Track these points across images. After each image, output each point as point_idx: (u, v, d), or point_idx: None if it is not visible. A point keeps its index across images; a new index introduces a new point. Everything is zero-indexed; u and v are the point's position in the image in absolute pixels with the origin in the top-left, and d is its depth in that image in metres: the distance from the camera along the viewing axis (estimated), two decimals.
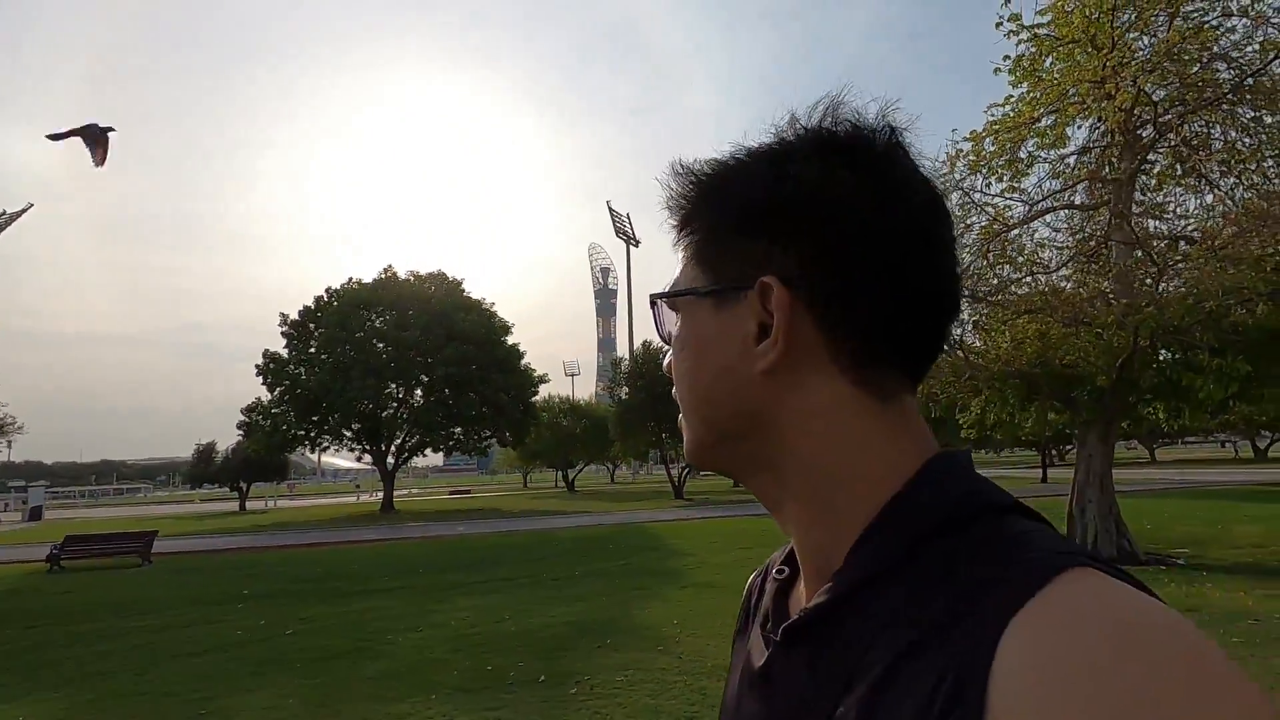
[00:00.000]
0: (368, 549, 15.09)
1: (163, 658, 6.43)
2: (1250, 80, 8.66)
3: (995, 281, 10.60)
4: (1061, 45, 10.05)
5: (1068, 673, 0.28)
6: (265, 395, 30.41)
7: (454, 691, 4.93)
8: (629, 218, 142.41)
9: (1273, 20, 8.75)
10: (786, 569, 0.53)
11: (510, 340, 32.48)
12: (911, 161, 0.46)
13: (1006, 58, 10.82)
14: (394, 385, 30.31)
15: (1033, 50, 10.57)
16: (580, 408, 47.48)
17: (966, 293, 9.19)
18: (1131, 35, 9.54)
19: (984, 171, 11.10)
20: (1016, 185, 11.07)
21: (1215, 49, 8.97)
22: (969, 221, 10.87)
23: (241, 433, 32.26)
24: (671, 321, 0.51)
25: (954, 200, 10.97)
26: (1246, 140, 9.13)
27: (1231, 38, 9.05)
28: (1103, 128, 10.12)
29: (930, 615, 0.35)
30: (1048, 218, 11.14)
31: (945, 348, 0.48)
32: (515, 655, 5.81)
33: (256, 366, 29.88)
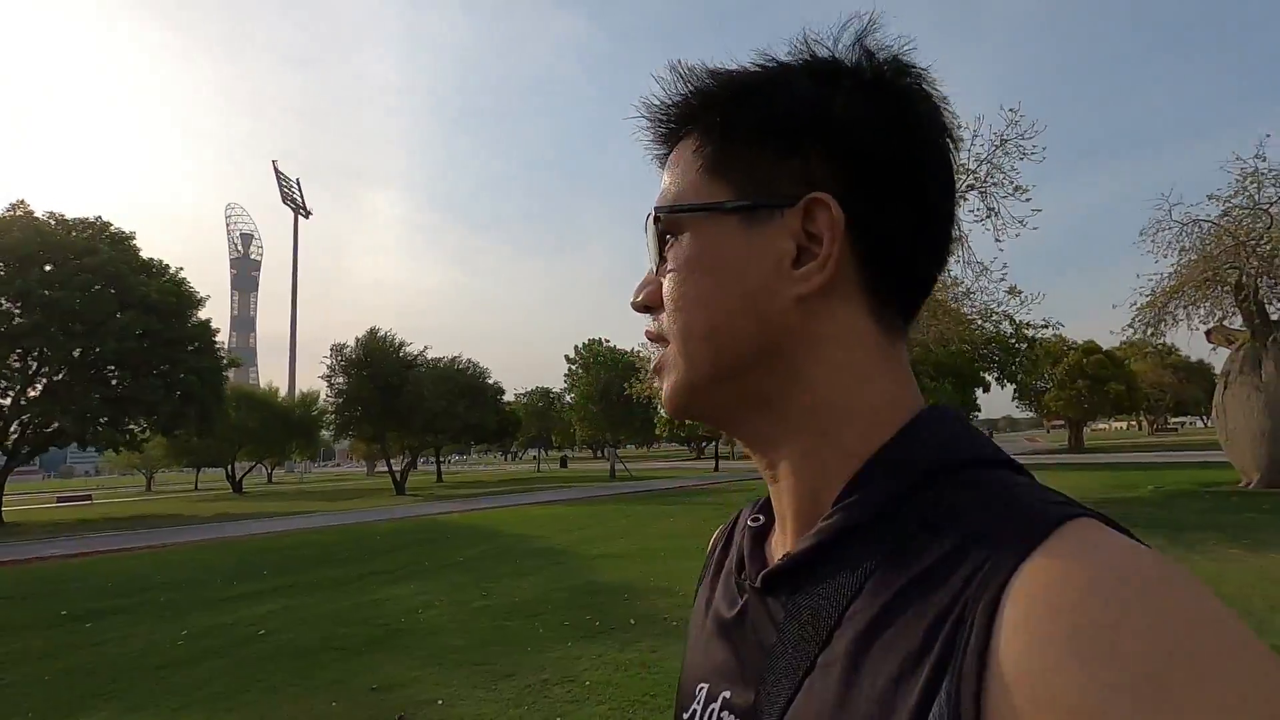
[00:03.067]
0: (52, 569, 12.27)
1: None
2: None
3: None
4: None
5: (1081, 621, 0.27)
6: None
7: None
8: (299, 183, 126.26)
9: None
10: (762, 517, 0.51)
11: (203, 315, 27.56)
12: (937, 104, 0.44)
13: None
14: (23, 359, 23.27)
15: None
16: (257, 397, 41.87)
17: None
18: None
19: None
20: None
21: None
22: None
23: None
24: (656, 239, 0.46)
25: None
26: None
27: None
28: None
29: (926, 562, 0.35)
30: None
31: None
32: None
33: None
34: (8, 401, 23.66)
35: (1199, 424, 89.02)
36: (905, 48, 0.44)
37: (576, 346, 36.36)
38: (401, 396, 29.69)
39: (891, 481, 0.39)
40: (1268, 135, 14.36)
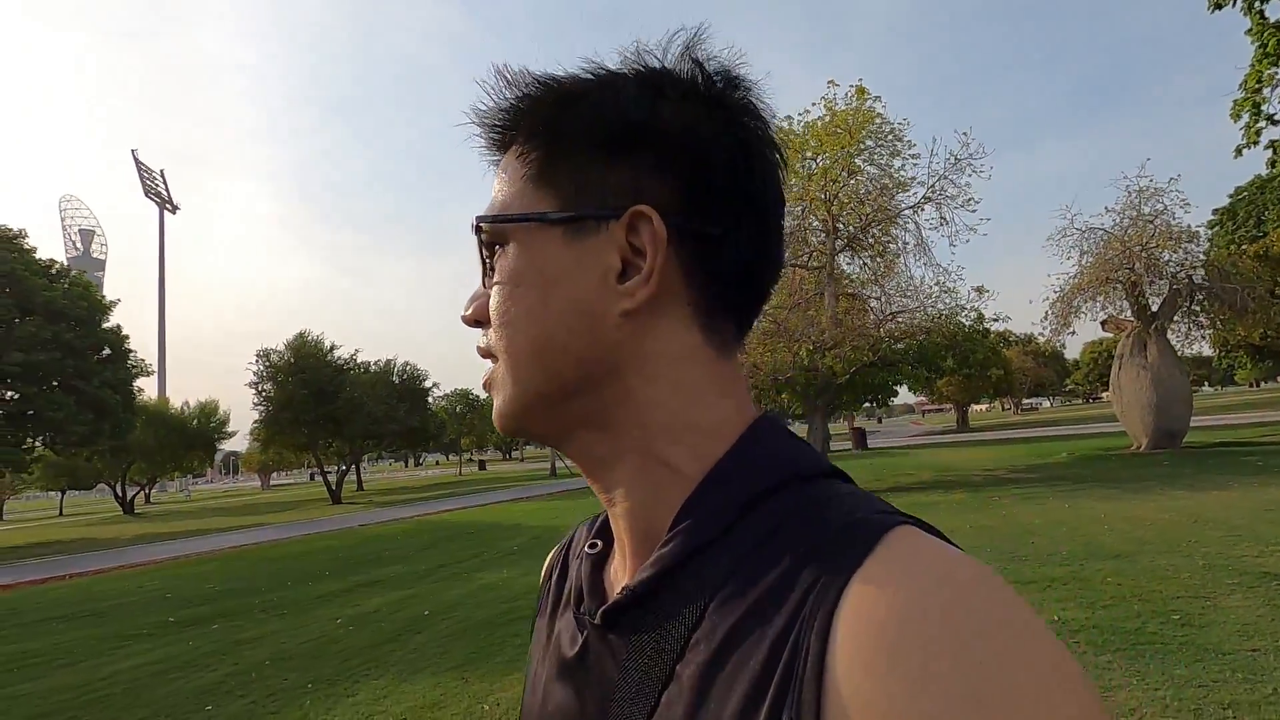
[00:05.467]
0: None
1: None
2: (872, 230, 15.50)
3: None
4: None
5: (902, 642, 0.28)
6: None
7: None
8: (164, 175, 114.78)
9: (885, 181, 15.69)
10: (599, 542, 0.49)
11: (111, 320, 25.27)
12: (766, 119, 0.44)
13: None
14: None
15: None
16: (151, 409, 38.47)
17: None
18: (820, 164, 15.61)
19: None
20: None
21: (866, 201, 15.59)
22: None
23: None
24: (482, 250, 0.44)
25: None
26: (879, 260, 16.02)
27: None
28: (811, 219, 16.12)
29: (764, 585, 0.34)
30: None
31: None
32: None
33: None
34: None
35: (1046, 404, 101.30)
36: (736, 59, 0.43)
37: None
38: (337, 402, 28.64)
39: (724, 503, 0.39)
40: (1148, 159, 17.43)
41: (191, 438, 40.32)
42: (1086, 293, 17.17)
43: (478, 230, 0.44)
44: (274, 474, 69.41)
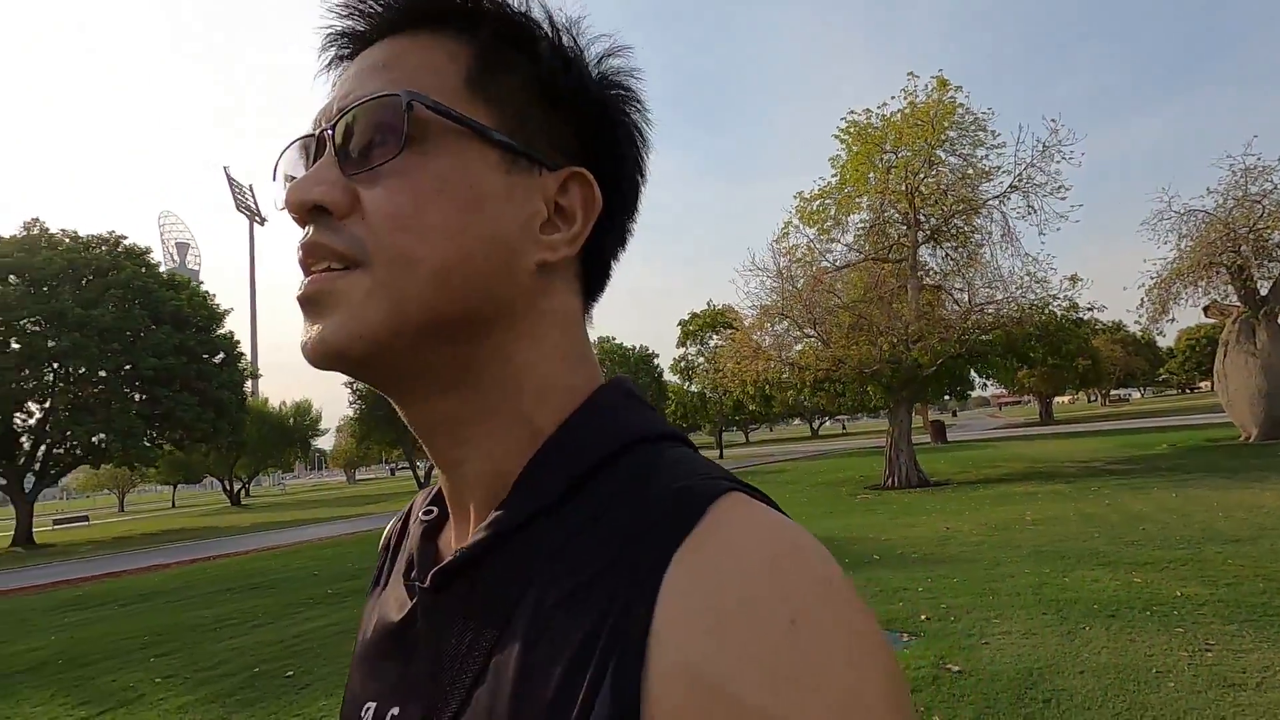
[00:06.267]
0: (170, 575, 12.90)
1: None
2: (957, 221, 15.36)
3: (821, 310, 15.63)
4: (857, 157, 15.85)
5: (729, 601, 0.29)
6: None
7: None
8: (252, 190, 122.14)
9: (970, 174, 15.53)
10: (435, 509, 0.47)
11: (224, 327, 27.53)
12: (647, 113, 0.45)
13: (834, 157, 16.35)
14: (54, 379, 22.98)
15: (843, 153, 16.21)
16: (254, 408, 41.38)
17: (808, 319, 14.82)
18: (900, 157, 15.59)
19: (808, 223, 16.40)
20: (831, 237, 16.59)
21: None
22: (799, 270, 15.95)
23: None
24: (385, 134, 0.37)
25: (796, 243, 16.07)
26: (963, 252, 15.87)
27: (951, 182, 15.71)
28: (891, 212, 16.14)
29: (594, 553, 0.34)
30: (849, 266, 16.79)
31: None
32: None
33: None
34: (33, 421, 23.35)
35: (1136, 395, 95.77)
36: (621, 48, 0.43)
37: None
38: None
39: (565, 466, 0.38)
40: (1255, 136, 16.61)
41: (289, 434, 43.23)
42: (1186, 278, 16.59)
43: (408, 107, 0.37)
44: (358, 469, 73.16)
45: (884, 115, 15.78)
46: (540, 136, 0.41)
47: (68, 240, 24.79)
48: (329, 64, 0.44)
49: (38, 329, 22.36)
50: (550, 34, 0.41)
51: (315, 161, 0.39)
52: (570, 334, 0.43)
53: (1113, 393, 78.26)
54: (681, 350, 37.38)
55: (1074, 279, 13.64)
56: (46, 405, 23.20)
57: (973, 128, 15.13)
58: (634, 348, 37.26)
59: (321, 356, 0.37)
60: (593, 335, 0.46)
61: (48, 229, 24.47)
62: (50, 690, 5.52)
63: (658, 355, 38.72)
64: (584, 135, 0.42)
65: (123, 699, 5.10)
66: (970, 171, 15.34)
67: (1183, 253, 16.52)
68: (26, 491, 23.89)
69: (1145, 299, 16.94)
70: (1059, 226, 14.10)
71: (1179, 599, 4.91)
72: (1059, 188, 14.01)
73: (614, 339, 37.01)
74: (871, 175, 15.88)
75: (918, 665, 4.06)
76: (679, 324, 37.14)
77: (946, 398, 21.52)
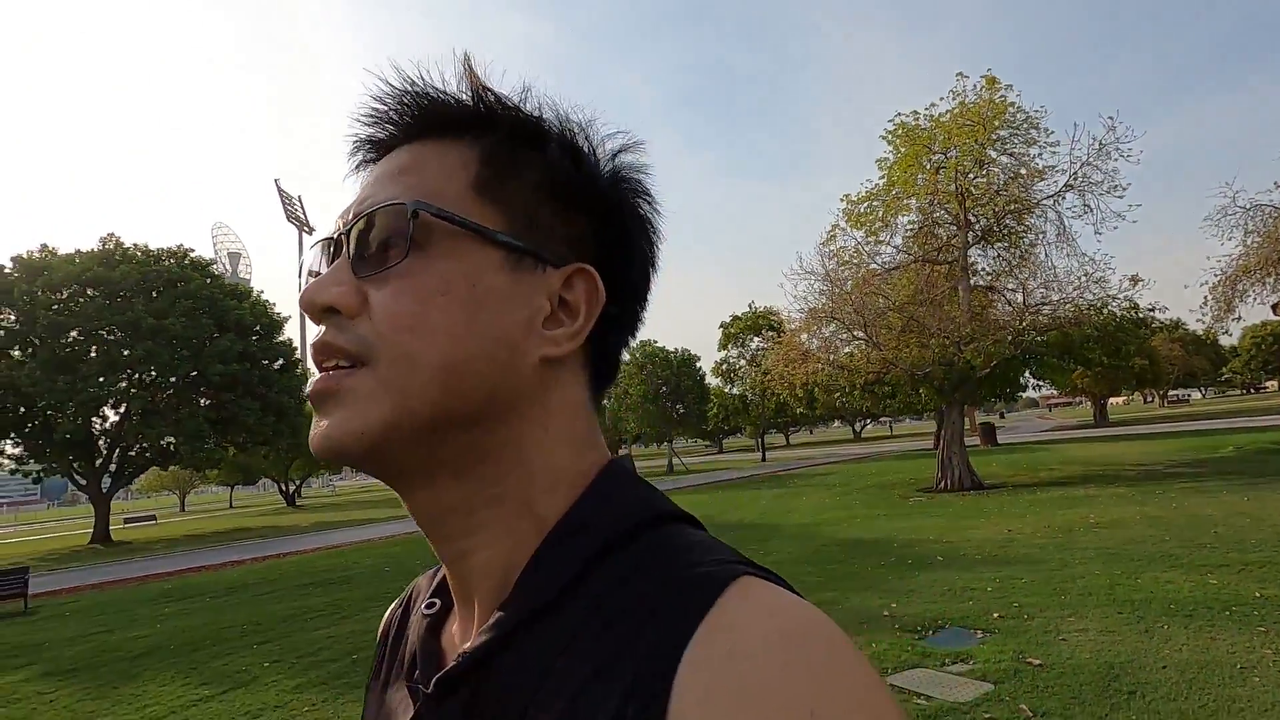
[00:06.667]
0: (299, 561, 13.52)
1: None
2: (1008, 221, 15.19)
3: (871, 313, 15.60)
4: (905, 159, 15.79)
5: (746, 688, 0.29)
6: None
7: None
8: (301, 200, 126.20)
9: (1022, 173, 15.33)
10: (438, 601, 0.46)
11: (284, 334, 28.67)
12: (658, 212, 0.47)
13: (881, 159, 16.33)
14: (128, 385, 24.28)
15: (891, 155, 16.17)
16: (307, 412, 42.72)
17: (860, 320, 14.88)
18: (950, 158, 15.48)
19: (855, 225, 16.39)
20: (879, 239, 16.56)
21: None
22: (850, 270, 15.94)
23: None
24: (393, 238, 0.39)
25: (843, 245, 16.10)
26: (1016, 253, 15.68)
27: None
28: (940, 212, 16.04)
29: (607, 643, 0.34)
30: (899, 268, 16.73)
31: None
32: None
33: None
34: (108, 425, 24.70)
35: (1197, 395, 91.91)
36: (634, 143, 0.45)
37: (629, 348, 37.70)
38: None
39: (569, 556, 0.38)
40: None
41: None
42: (1254, 275, 16.05)
43: (414, 214, 0.38)
44: None
45: (932, 116, 15.71)
46: (550, 234, 0.42)
47: (139, 254, 26.23)
48: (356, 167, 0.47)
49: (113, 338, 23.68)
50: (562, 134, 0.44)
51: (333, 262, 0.42)
52: (577, 423, 0.43)
53: (1171, 393, 75.37)
54: (723, 353, 37.45)
55: (1135, 279, 13.39)
56: (122, 410, 24.50)
57: (1025, 126, 14.95)
58: (676, 351, 37.40)
59: (326, 451, 0.38)
60: (633, 340, 0.48)
61: (122, 243, 25.90)
62: (170, 672, 6.02)
63: (700, 358, 38.78)
64: (595, 230, 0.44)
65: (239, 680, 5.55)
66: (1022, 171, 15.15)
67: (1249, 249, 15.99)
68: (104, 491, 25.30)
69: (1209, 297, 16.46)
70: (1116, 226, 13.86)
71: (1259, 600, 4.92)
72: (1116, 186, 13.76)
73: (655, 342, 37.23)
74: (920, 176, 15.81)
75: (997, 659, 4.20)
76: (720, 326, 37.22)
77: (995, 400, 21.20)
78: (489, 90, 0.43)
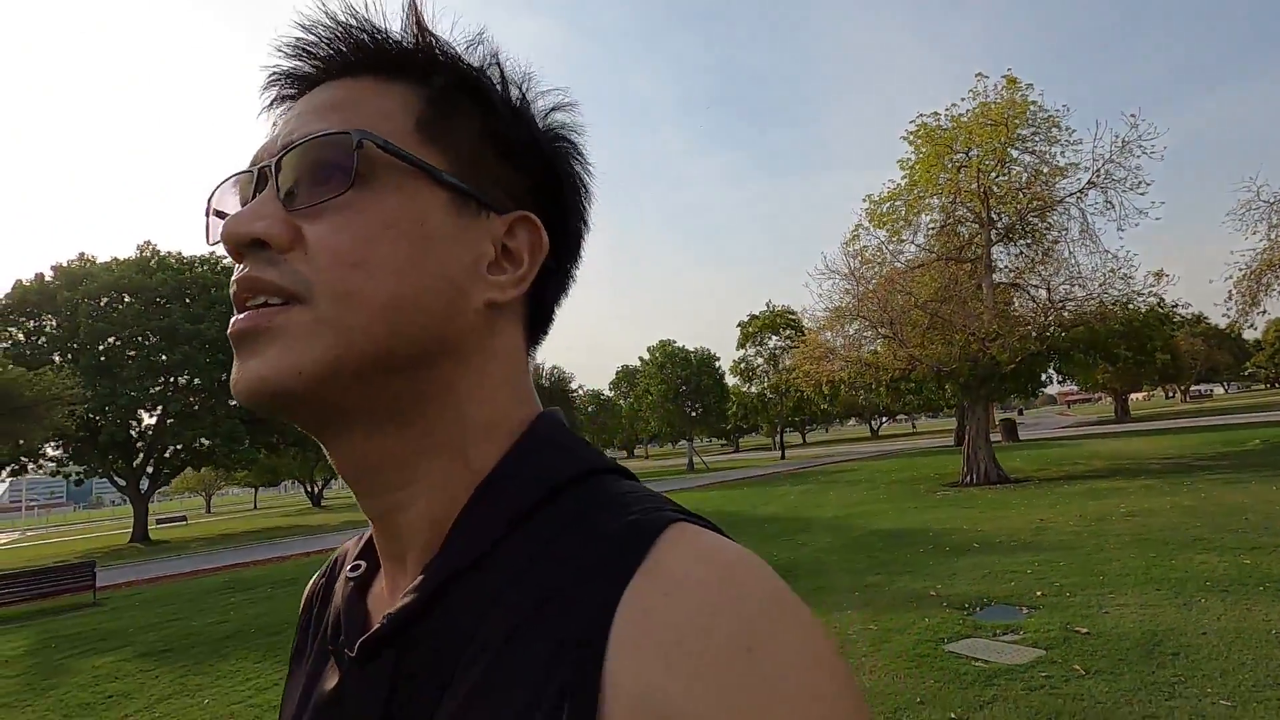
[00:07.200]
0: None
1: None
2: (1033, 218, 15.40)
3: (896, 310, 15.86)
4: (926, 158, 16.05)
5: (683, 631, 0.29)
6: None
7: None
8: None
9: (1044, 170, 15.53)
10: (363, 562, 0.45)
11: None
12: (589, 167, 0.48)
13: (902, 159, 16.61)
14: (165, 389, 25.00)
15: (912, 155, 16.43)
16: None
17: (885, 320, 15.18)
18: (972, 157, 15.71)
19: (878, 225, 16.67)
20: (902, 238, 16.82)
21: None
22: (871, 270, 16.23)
23: None
24: (332, 170, 0.37)
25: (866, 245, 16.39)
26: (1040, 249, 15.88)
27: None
28: (961, 211, 16.28)
29: (536, 596, 0.33)
30: (922, 266, 16.97)
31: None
32: None
33: None
34: (142, 427, 25.42)
35: (1219, 390, 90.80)
36: (568, 103, 0.46)
37: (650, 348, 38.23)
38: None
39: (499, 510, 0.38)
40: None
41: None
42: (1279, 269, 16.15)
43: (359, 145, 0.37)
44: None
45: (953, 116, 15.95)
46: (490, 182, 0.42)
47: (174, 261, 26.99)
48: (270, 103, 0.45)
49: (150, 343, 24.41)
50: (504, 84, 0.43)
51: (254, 198, 0.39)
52: (514, 372, 0.43)
53: (1193, 388, 74.57)
54: (741, 352, 37.74)
55: (1159, 275, 13.57)
56: (159, 413, 25.23)
57: (1046, 125, 15.16)
58: (695, 350, 37.74)
59: (257, 392, 0.36)
60: (654, 339, 0.59)
61: (158, 250, 26.69)
62: (260, 652, 6.47)
63: (719, 358, 39.08)
64: (531, 184, 0.44)
65: None
66: (1044, 169, 15.36)
67: (1274, 242, 16.09)
68: (141, 492, 26.04)
69: (1233, 291, 16.55)
70: (1139, 223, 14.03)
71: None
72: (1139, 183, 13.95)
73: (675, 342, 37.62)
74: (942, 175, 16.06)
75: (1045, 629, 4.52)
76: (738, 325, 37.51)
77: (1017, 396, 21.33)
78: (433, 35, 0.42)
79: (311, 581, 0.52)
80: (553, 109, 0.45)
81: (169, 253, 27.07)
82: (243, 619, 8.19)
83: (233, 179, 0.42)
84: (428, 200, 0.39)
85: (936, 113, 16.21)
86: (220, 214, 0.42)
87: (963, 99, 15.89)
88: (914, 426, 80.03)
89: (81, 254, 26.16)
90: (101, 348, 23.76)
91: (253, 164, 0.40)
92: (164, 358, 24.08)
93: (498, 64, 0.43)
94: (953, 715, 3.42)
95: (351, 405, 0.38)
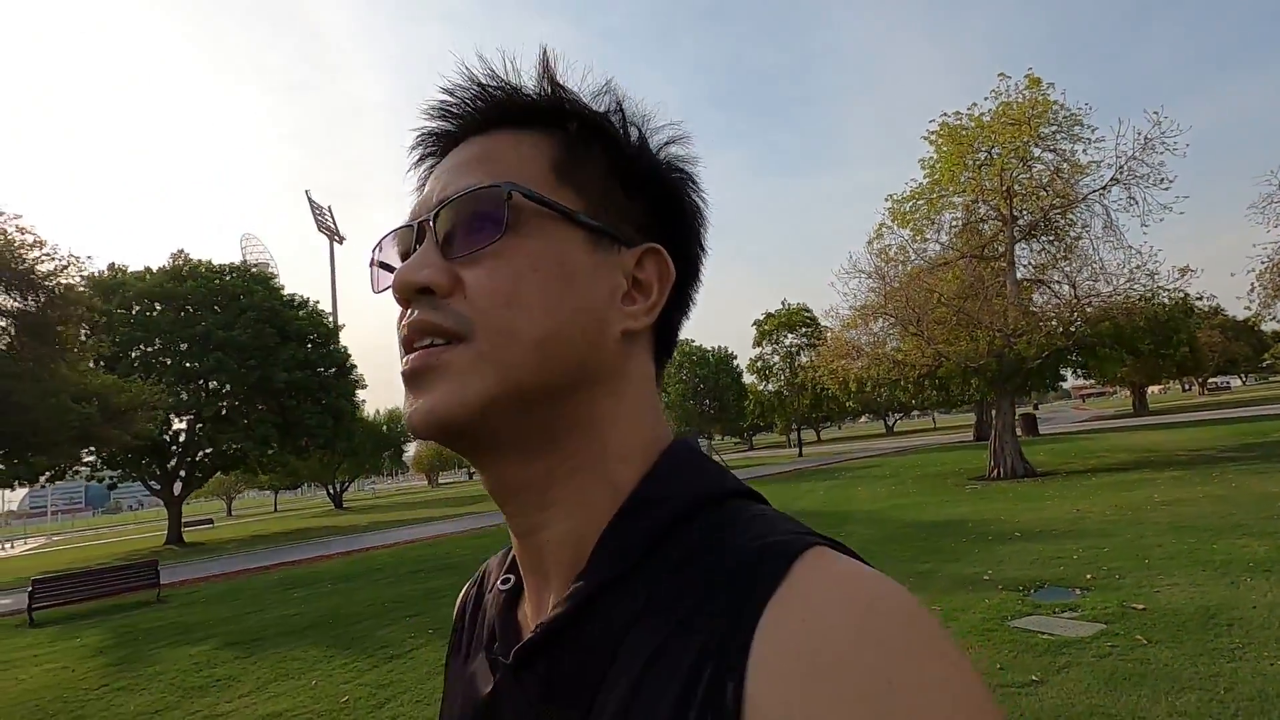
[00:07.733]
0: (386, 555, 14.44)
1: None
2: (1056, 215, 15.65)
3: (921, 307, 16.12)
4: (949, 157, 16.31)
5: (823, 656, 0.29)
6: None
7: None
8: (331, 211, 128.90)
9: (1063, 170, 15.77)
10: (512, 577, 0.48)
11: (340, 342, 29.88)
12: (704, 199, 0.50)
13: (924, 159, 16.88)
14: (199, 393, 25.58)
15: (933, 154, 16.70)
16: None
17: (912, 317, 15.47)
18: (995, 155, 15.97)
19: (901, 224, 16.95)
20: (925, 237, 17.10)
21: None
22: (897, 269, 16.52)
23: None
24: (485, 220, 0.42)
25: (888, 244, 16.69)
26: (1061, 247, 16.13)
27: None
28: (984, 209, 16.54)
29: (680, 613, 0.35)
30: (946, 264, 17.23)
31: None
32: None
33: None
34: (173, 431, 25.98)
35: (1237, 382, 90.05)
36: (681, 136, 0.49)
37: None
38: None
39: (643, 527, 0.40)
40: None
41: (384, 441, 45.94)
42: None
43: (508, 196, 0.41)
44: (439, 474, 76.45)
45: (974, 116, 16.20)
46: (619, 218, 0.45)
47: (204, 269, 27.59)
48: (417, 161, 0.50)
49: (183, 350, 24.99)
50: (627, 125, 0.47)
51: (415, 249, 0.43)
52: (648, 395, 0.46)
53: (1210, 381, 74.02)
54: (758, 350, 38.05)
55: (1184, 270, 13.80)
56: (192, 417, 25.81)
57: (1068, 123, 15.39)
58: (713, 349, 38.08)
59: (431, 425, 0.40)
60: (687, 319, 0.52)
61: (190, 258, 27.28)
62: (344, 641, 6.85)
63: (736, 356, 39.36)
64: (654, 215, 0.47)
65: (397, 651, 6.26)
66: (1066, 167, 15.59)
67: None
68: (175, 495, 26.64)
69: (1256, 284, 16.73)
70: (1162, 218, 14.22)
71: None
72: (1162, 179, 14.16)
73: (693, 342, 37.95)
74: (964, 174, 16.32)
75: (1103, 606, 4.84)
76: (754, 324, 37.80)
77: (1040, 390, 21.55)
78: (562, 87, 0.46)
79: (464, 590, 0.58)
80: (668, 142, 0.49)
81: (199, 261, 27.67)
82: (316, 612, 8.59)
83: (393, 233, 0.47)
84: (567, 240, 0.43)
85: (958, 112, 16.48)
86: (384, 265, 0.48)
87: (985, 98, 16.16)
88: (934, 422, 79.88)
89: (111, 264, 26.75)
90: (135, 354, 24.35)
91: (412, 218, 0.45)
92: (197, 364, 24.66)
93: (620, 108, 0.47)
94: (1034, 677, 3.76)
95: (508, 432, 0.41)
